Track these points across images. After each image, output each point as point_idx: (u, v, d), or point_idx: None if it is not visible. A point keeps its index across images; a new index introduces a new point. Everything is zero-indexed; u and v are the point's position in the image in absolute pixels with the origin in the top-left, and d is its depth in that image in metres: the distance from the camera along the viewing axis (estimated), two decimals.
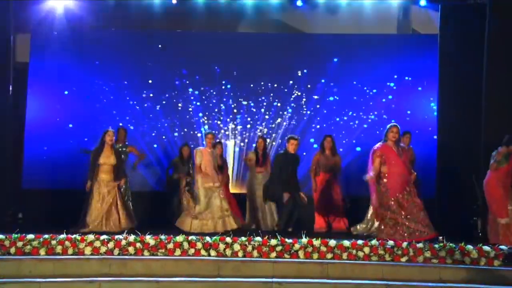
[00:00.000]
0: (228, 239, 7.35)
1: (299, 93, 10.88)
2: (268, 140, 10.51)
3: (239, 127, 10.93)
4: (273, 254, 7.23)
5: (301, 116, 10.86)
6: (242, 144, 10.90)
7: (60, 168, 10.33)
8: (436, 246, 7.23)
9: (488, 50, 9.21)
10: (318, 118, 10.82)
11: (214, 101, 10.92)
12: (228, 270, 7.06)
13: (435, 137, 10.02)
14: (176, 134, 10.86)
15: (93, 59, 10.82)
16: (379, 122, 10.44)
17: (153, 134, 10.86)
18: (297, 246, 7.26)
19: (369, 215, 8.84)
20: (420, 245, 7.25)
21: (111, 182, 8.55)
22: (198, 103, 10.90)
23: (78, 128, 10.65)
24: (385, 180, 7.75)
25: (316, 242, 7.27)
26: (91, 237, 7.38)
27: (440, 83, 9.77)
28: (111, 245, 7.30)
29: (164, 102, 10.89)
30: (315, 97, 10.84)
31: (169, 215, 9.37)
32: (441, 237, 7.43)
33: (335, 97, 10.85)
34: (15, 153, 10.06)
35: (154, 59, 10.83)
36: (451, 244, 7.24)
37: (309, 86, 10.85)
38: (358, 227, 8.89)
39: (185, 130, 10.87)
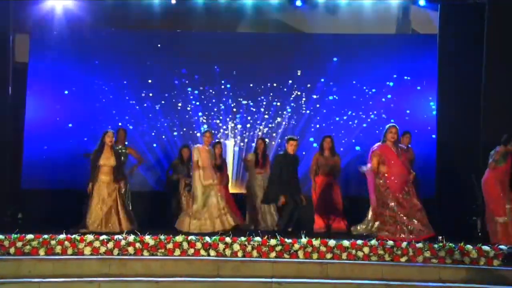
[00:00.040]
0: (228, 239, 7.35)
1: (299, 93, 10.87)
2: (267, 141, 10.50)
3: (238, 126, 10.93)
4: (273, 254, 7.24)
5: (300, 116, 10.85)
6: (242, 144, 10.90)
7: (60, 168, 10.33)
8: (436, 246, 7.23)
9: (488, 49, 9.21)
10: (318, 118, 10.81)
11: (213, 100, 10.92)
12: (227, 270, 7.06)
13: (434, 136, 10.03)
14: (175, 133, 10.86)
15: (93, 59, 10.80)
16: (379, 121, 10.43)
17: (153, 134, 10.86)
18: (296, 246, 7.26)
19: (369, 216, 8.85)
20: (419, 245, 7.25)
21: (112, 184, 8.55)
22: (197, 103, 10.90)
23: (78, 128, 10.63)
24: (384, 180, 7.76)
25: (316, 242, 7.27)
26: (90, 237, 7.38)
27: (440, 83, 9.78)
28: (110, 245, 7.30)
29: (163, 101, 10.88)
30: (315, 96, 10.84)
31: (168, 216, 9.37)
32: (440, 237, 7.43)
33: (335, 96, 10.85)
34: (15, 153, 10.05)
35: (153, 59, 10.82)
36: (450, 244, 7.24)
37: (309, 85, 10.84)
38: (358, 227, 8.90)
39: (184, 129, 10.86)
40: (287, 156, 8.57)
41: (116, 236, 7.43)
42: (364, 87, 10.80)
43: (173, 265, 7.14)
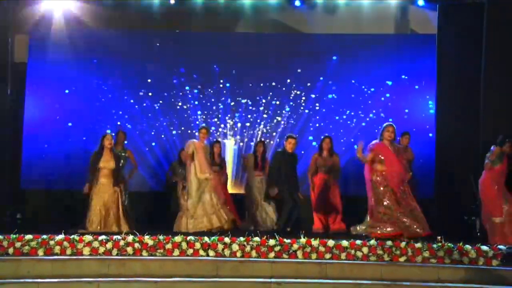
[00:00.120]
0: (227, 239, 7.35)
1: (298, 92, 10.87)
2: (267, 142, 10.49)
3: (238, 125, 10.94)
4: (272, 254, 7.24)
5: (299, 115, 10.86)
6: (241, 143, 10.90)
7: (59, 168, 10.35)
8: (435, 246, 7.23)
9: (486, 49, 9.21)
10: (317, 117, 10.81)
11: (212, 100, 10.92)
12: (226, 270, 7.06)
13: (430, 135, 10.03)
14: (174, 132, 10.87)
15: (92, 59, 10.80)
16: (377, 120, 10.42)
17: (152, 133, 10.86)
18: (295, 246, 7.27)
19: (369, 216, 8.82)
20: (418, 245, 7.25)
21: (112, 187, 8.55)
22: (196, 102, 10.90)
23: (77, 127, 10.64)
24: (381, 178, 7.75)
25: (315, 242, 7.27)
26: (89, 237, 7.36)
27: (438, 83, 9.79)
28: (109, 245, 7.29)
29: (162, 101, 10.88)
30: (314, 96, 10.84)
31: (168, 216, 9.35)
32: (439, 237, 7.42)
33: (334, 95, 10.86)
34: (14, 153, 10.06)
35: (152, 59, 10.82)
36: (449, 244, 7.24)
37: (308, 84, 10.84)
38: (358, 227, 8.84)
39: (183, 128, 10.86)
40: (285, 154, 8.58)
41: (115, 237, 7.42)
42: (363, 87, 10.80)
43: (172, 265, 7.14)
